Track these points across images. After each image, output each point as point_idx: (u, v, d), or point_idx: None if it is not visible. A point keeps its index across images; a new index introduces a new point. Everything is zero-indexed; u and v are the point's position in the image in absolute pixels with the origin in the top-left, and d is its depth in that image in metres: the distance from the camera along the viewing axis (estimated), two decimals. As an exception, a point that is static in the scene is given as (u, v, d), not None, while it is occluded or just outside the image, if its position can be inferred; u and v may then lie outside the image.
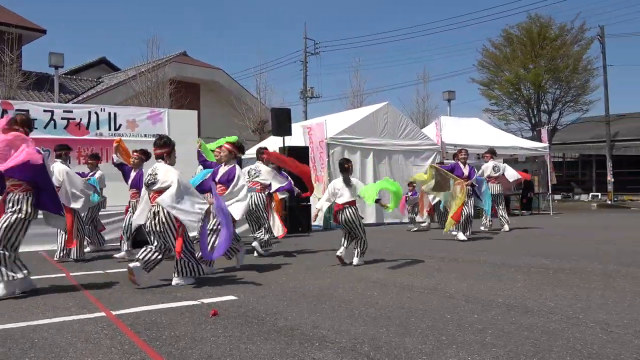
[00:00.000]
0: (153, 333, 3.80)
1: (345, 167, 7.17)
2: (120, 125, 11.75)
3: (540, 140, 19.70)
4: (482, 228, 11.31)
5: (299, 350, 3.36)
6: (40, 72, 20.92)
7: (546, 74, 26.79)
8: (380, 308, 4.43)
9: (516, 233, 10.84)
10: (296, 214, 11.68)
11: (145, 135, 12.03)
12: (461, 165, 9.99)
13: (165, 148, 5.98)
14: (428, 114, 25.84)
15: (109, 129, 11.64)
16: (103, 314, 4.43)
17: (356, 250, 7.00)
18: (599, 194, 28.12)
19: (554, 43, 27.00)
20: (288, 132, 12.80)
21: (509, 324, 3.86)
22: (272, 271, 6.62)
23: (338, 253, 7.00)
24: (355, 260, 6.96)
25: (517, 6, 39.65)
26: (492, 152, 12.30)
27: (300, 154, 12.55)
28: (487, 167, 11.92)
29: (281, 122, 12.62)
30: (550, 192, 18.88)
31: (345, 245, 7.10)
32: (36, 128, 10.77)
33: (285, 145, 12.60)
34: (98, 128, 11.49)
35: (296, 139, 13.67)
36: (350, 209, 6.97)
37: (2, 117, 10.54)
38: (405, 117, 15.71)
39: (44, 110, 11.16)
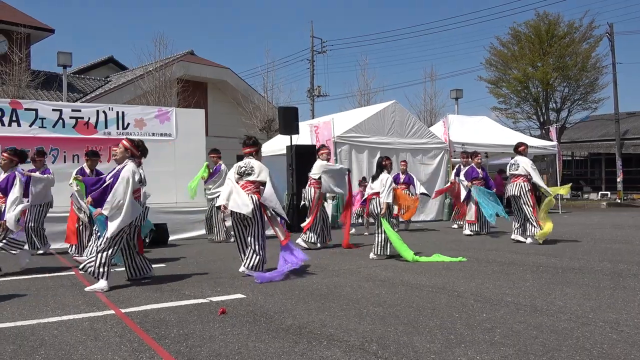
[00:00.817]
0: (162, 331, 3.81)
1: (384, 165, 7.68)
2: (128, 124, 11.79)
3: (548, 139, 19.59)
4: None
5: (307, 348, 3.36)
6: (48, 72, 21.03)
7: (554, 72, 26.63)
8: (388, 307, 4.43)
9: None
10: (304, 213, 11.66)
11: (153, 134, 12.07)
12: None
13: (255, 147, 6.54)
14: (435, 113, 25.77)
15: (117, 128, 11.69)
16: (112, 311, 4.46)
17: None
18: (609, 192, 27.92)
19: (563, 41, 26.83)
20: (295, 130, 12.80)
21: (518, 323, 3.85)
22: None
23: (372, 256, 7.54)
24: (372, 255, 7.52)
25: (525, 4, 39.42)
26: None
27: (307, 152, 12.56)
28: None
29: (288, 121, 12.63)
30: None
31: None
32: (45, 127, 10.88)
33: (293, 144, 12.60)
34: (106, 127, 11.53)
35: (303, 137, 13.67)
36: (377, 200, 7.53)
37: (11, 116, 10.65)
38: (412, 116, 15.66)
39: (53, 110, 11.22)
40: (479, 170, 10.73)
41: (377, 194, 7.55)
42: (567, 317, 3.96)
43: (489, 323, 3.85)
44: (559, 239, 9.16)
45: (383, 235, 7.45)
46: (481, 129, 17.28)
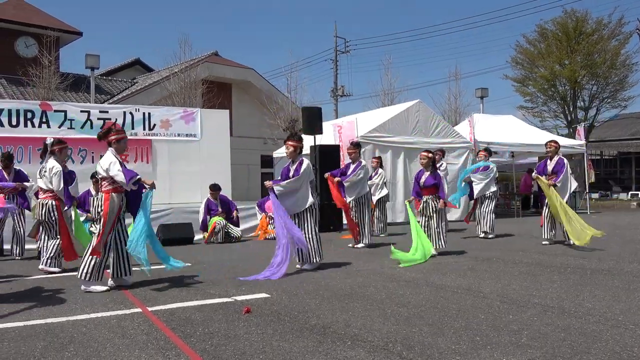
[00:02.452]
0: (188, 329, 3.86)
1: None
2: (154, 125, 11.97)
3: (576, 138, 19.24)
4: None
5: (331, 348, 3.36)
6: (77, 74, 21.45)
7: (582, 69, 26.14)
8: (412, 307, 4.40)
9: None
10: (327, 212, 11.68)
11: (178, 135, 12.23)
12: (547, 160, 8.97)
13: (301, 142, 6.83)
14: (460, 112, 25.48)
15: (144, 129, 11.87)
16: (139, 310, 4.52)
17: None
18: (639, 192, 27.30)
19: (591, 38, 26.33)
20: (319, 130, 12.81)
21: (545, 325, 3.79)
22: (303, 269, 6.64)
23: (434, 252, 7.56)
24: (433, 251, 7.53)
25: (552, 1, 38.75)
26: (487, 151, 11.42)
27: (331, 152, 12.56)
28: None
29: (312, 121, 12.64)
30: (587, 190, 18.42)
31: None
32: (74, 128, 11.11)
33: (316, 144, 12.61)
34: (133, 128, 11.73)
35: (327, 137, 13.68)
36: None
37: (41, 117, 10.90)
38: (437, 115, 15.54)
39: (81, 111, 11.46)
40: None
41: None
42: (595, 320, 3.89)
43: (515, 325, 3.80)
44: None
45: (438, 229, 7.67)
46: (507, 128, 17.06)
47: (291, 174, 6.61)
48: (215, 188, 10.86)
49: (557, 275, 5.82)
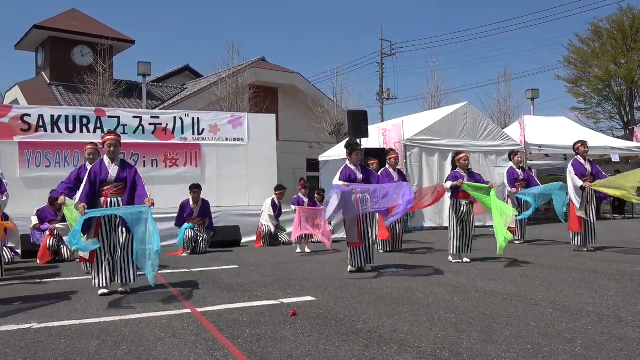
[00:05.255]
0: (235, 331, 3.91)
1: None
2: (203, 129, 12.22)
3: (633, 140, 18.47)
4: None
5: (377, 353, 3.34)
6: (129, 81, 22.15)
7: (640, 68, 25.14)
8: (460, 314, 4.32)
9: (607, 239, 10.23)
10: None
11: (226, 139, 12.44)
12: (582, 161, 8.43)
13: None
14: (510, 114, 24.86)
15: (193, 134, 12.14)
16: (189, 310, 4.62)
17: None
18: (701, 197, 25.93)
19: (649, 35, 25.28)
20: (365, 134, 12.77)
21: (600, 334, 3.65)
22: (349, 273, 6.63)
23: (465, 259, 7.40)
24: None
25: (607, -2, 37.26)
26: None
27: (377, 155, 12.48)
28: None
29: (358, 124, 12.61)
30: (645, 195, 17.63)
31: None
32: (126, 133, 11.46)
33: (362, 147, 12.57)
34: (183, 133, 12.01)
35: (372, 141, 13.61)
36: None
37: (96, 123, 11.31)
38: (485, 117, 15.24)
39: (133, 117, 11.82)
40: (519, 171, 10.10)
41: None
42: (656, 330, 3.72)
43: (569, 333, 3.68)
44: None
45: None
46: (559, 130, 16.52)
47: (360, 176, 6.77)
48: (280, 188, 10.99)
49: (613, 282, 5.59)
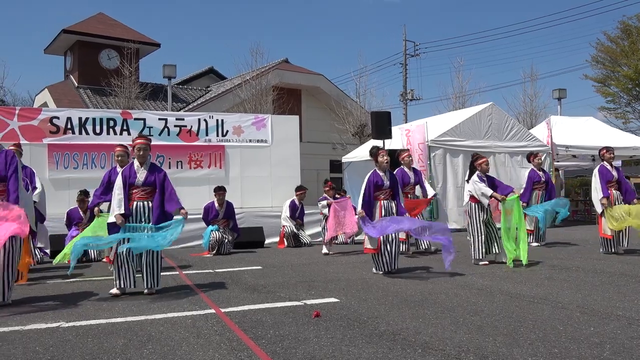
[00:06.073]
0: (259, 331, 3.93)
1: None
2: (227, 131, 12.32)
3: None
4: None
5: (401, 355, 3.32)
6: (155, 83, 22.49)
7: (671, 67, 24.52)
8: (485, 316, 4.27)
9: (638, 241, 10.00)
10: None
11: (250, 141, 12.52)
12: (608, 167, 8.38)
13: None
14: (536, 114, 24.46)
15: (217, 135, 12.25)
16: (213, 311, 4.66)
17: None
18: None
19: (681, 33, 24.66)
20: (388, 135, 12.72)
21: (630, 338, 3.56)
22: (372, 274, 6.61)
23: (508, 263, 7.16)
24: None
25: (636, -5, 36.42)
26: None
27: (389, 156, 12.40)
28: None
29: (381, 125, 12.57)
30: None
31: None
32: (152, 135, 11.61)
33: (386, 148, 12.52)
34: (207, 134, 12.13)
35: (396, 142, 13.55)
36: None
37: (122, 125, 11.49)
38: (511, 118, 15.04)
39: (159, 119, 11.98)
40: (540, 173, 9.92)
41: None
42: (688, 335, 3.62)
43: (597, 337, 3.61)
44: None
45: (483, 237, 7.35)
46: (587, 131, 16.21)
47: (387, 183, 6.75)
48: (300, 189, 11.01)
49: (643, 286, 5.47)
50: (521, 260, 6.99)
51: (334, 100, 21.44)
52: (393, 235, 6.56)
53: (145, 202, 5.64)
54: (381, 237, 6.49)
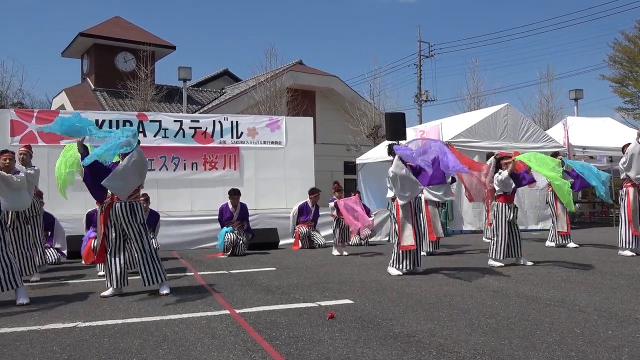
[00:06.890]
0: (273, 332, 3.94)
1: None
2: (241, 133, 12.39)
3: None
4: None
5: (415, 357, 3.30)
6: (170, 85, 22.65)
7: (691, 67, 24.16)
8: (501, 319, 4.24)
9: None
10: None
11: (264, 142, 12.57)
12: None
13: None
14: (552, 115, 24.21)
15: (232, 137, 12.32)
16: (227, 312, 4.68)
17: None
18: None
19: (701, 32, 24.28)
20: (402, 136, 12.67)
21: (650, 342, 3.52)
22: (387, 276, 6.59)
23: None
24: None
25: (655, -6, 35.79)
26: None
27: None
28: None
29: (395, 127, 12.52)
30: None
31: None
32: (167, 137, 11.72)
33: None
34: (222, 136, 12.21)
35: (411, 143, 13.51)
36: None
37: (138, 127, 11.59)
38: (527, 119, 14.90)
39: (174, 121, 12.07)
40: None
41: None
42: None
43: (615, 341, 3.56)
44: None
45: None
46: (605, 132, 16.01)
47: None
48: (314, 191, 10.94)
49: (663, 289, 5.38)
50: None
51: (348, 102, 21.42)
52: (421, 231, 7.07)
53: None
54: (416, 233, 6.71)
